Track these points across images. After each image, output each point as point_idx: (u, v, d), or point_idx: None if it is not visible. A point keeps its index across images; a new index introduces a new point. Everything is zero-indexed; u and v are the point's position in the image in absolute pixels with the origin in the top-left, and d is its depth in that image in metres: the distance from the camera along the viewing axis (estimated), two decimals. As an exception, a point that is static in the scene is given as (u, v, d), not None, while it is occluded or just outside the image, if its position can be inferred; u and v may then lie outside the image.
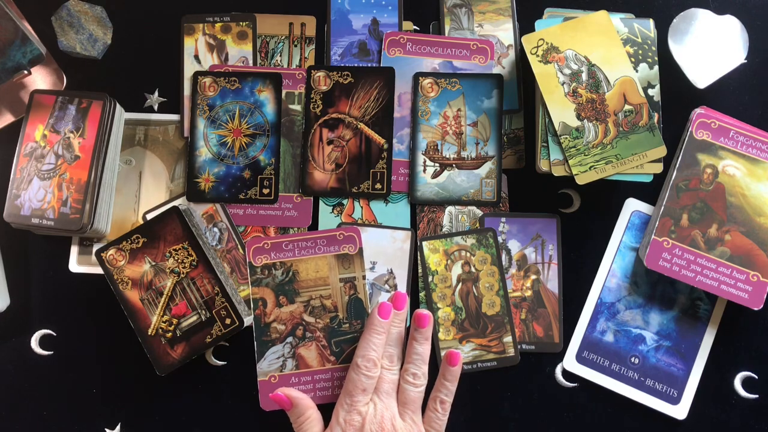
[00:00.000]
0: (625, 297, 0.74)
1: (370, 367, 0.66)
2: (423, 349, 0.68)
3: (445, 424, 0.68)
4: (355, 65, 0.77)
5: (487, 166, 0.75)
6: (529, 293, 0.74)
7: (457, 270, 0.74)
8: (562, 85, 0.72)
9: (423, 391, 0.68)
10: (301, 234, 0.74)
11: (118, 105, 0.74)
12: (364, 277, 0.73)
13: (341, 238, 0.73)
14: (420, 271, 0.74)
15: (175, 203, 0.75)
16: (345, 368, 0.71)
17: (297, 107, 0.77)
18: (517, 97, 0.77)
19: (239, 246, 0.74)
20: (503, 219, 0.75)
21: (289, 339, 0.72)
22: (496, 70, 0.77)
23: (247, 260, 0.73)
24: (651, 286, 0.74)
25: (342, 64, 0.77)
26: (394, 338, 0.69)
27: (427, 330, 0.69)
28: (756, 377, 0.73)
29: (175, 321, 0.71)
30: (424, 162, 0.75)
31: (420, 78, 0.76)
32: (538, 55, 0.72)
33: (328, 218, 0.76)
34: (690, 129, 0.72)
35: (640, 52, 0.73)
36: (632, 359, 0.73)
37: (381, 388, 0.66)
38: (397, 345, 0.69)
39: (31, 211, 0.71)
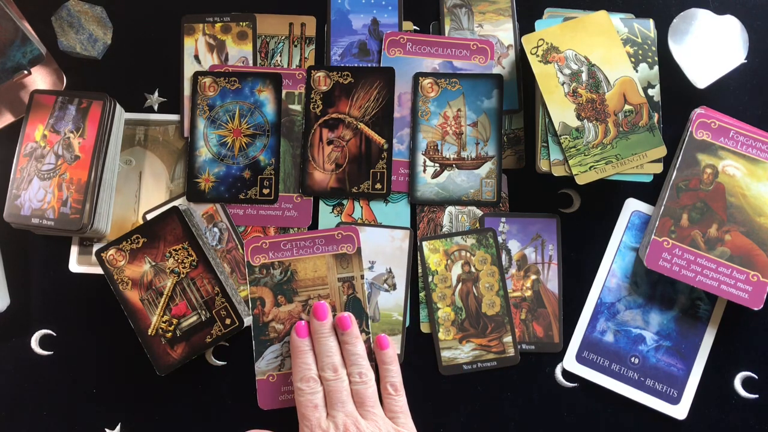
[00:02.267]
0: (625, 297, 0.74)
1: (312, 386, 0.66)
2: (357, 348, 0.68)
3: (406, 403, 0.68)
4: (355, 65, 0.77)
5: (487, 166, 0.75)
6: (529, 293, 0.74)
7: (457, 270, 0.74)
8: (562, 85, 0.72)
9: (374, 385, 0.68)
10: (300, 234, 0.74)
11: (118, 105, 0.74)
12: (362, 277, 0.73)
13: (339, 237, 0.73)
14: (420, 271, 0.74)
15: (175, 203, 0.75)
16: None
17: (297, 107, 0.77)
18: (517, 97, 0.77)
19: (239, 246, 0.74)
20: (503, 219, 0.75)
21: (288, 338, 0.72)
22: (496, 70, 0.77)
23: (246, 260, 0.73)
24: (651, 286, 0.74)
25: (342, 64, 0.77)
26: (335, 349, 0.68)
27: (351, 331, 0.69)
28: (756, 377, 0.73)
29: (175, 321, 0.71)
30: (424, 162, 0.75)
31: (420, 78, 0.76)
32: (538, 55, 0.72)
33: (328, 218, 0.76)
34: (690, 129, 0.72)
35: (640, 52, 0.73)
36: (632, 359, 0.73)
37: (336, 399, 0.65)
38: (338, 354, 0.68)
39: (31, 211, 0.71)
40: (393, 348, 0.70)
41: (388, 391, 0.68)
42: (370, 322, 0.72)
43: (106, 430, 0.73)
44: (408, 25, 0.79)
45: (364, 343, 0.69)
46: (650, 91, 0.72)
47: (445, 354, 0.73)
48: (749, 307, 0.69)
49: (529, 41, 0.72)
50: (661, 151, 0.71)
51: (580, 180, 0.70)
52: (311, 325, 0.69)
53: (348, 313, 0.70)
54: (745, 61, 0.75)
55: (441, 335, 0.73)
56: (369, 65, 0.78)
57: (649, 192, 0.75)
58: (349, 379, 0.67)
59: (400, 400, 0.68)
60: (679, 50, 0.75)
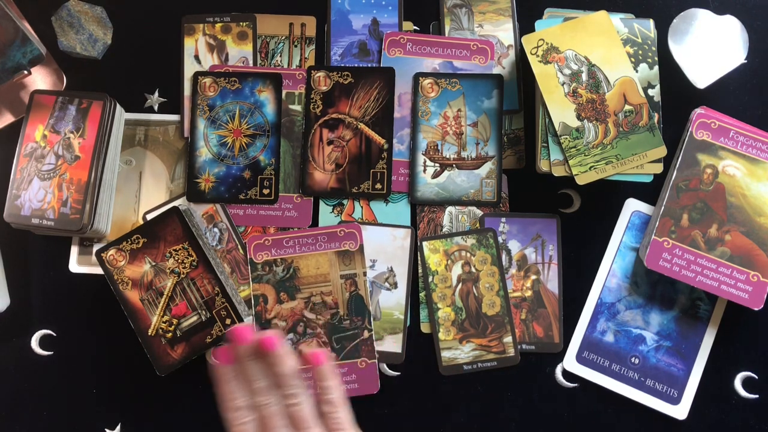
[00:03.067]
0: (625, 297, 0.74)
1: (243, 415, 0.61)
2: (285, 368, 0.62)
3: (349, 416, 0.62)
4: (355, 65, 0.77)
5: (487, 167, 0.75)
6: (529, 293, 0.74)
7: (457, 270, 0.74)
8: (562, 85, 0.72)
9: (309, 404, 0.62)
10: (302, 231, 0.74)
11: (118, 105, 0.74)
12: (365, 274, 0.73)
13: (342, 234, 0.73)
14: (420, 271, 0.74)
15: (175, 203, 0.75)
16: (345, 365, 0.72)
17: (297, 107, 0.77)
18: (517, 97, 0.77)
19: (239, 246, 0.74)
20: (503, 219, 0.75)
21: (290, 335, 0.72)
22: (496, 70, 0.77)
23: (248, 257, 0.73)
24: (651, 286, 0.74)
25: (342, 65, 0.78)
26: (262, 372, 0.62)
27: (276, 352, 0.61)
28: (756, 377, 0.73)
29: (175, 321, 0.71)
30: (425, 162, 0.75)
31: (420, 78, 0.76)
32: (538, 56, 0.72)
33: (328, 218, 0.76)
34: (690, 129, 0.72)
35: (640, 52, 0.73)
36: (632, 359, 0.73)
37: (271, 426, 0.60)
38: (266, 376, 0.62)
39: (31, 212, 0.71)
40: (329, 362, 0.64)
41: (328, 408, 0.62)
42: (372, 319, 0.72)
43: (106, 430, 0.73)
44: (408, 25, 0.79)
45: (293, 360, 0.63)
46: (650, 91, 0.72)
47: (446, 354, 0.73)
48: (749, 307, 0.69)
49: (529, 41, 0.72)
50: (661, 151, 0.71)
51: (580, 180, 0.70)
52: (234, 352, 0.62)
53: (271, 332, 0.63)
54: (745, 61, 0.76)
55: (441, 335, 0.73)
56: (369, 65, 0.78)
57: (649, 192, 0.75)
58: (282, 402, 0.62)
59: (341, 416, 0.62)
60: (679, 50, 0.75)
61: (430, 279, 0.74)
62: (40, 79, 0.78)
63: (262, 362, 0.62)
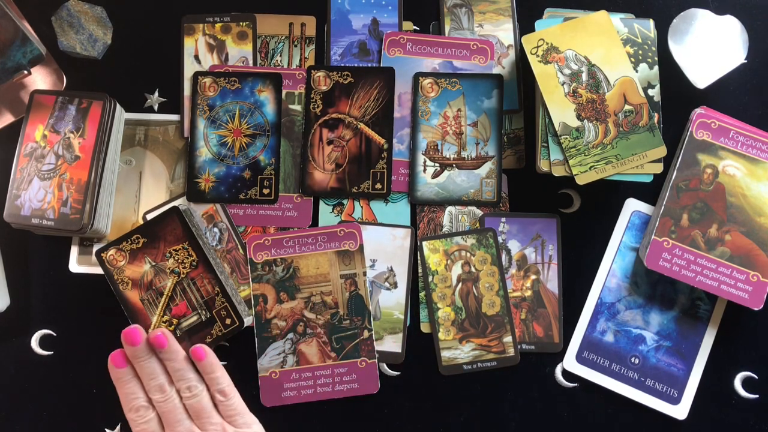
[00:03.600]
0: (625, 297, 0.74)
1: (143, 414, 0.65)
2: (179, 363, 0.67)
3: (241, 402, 0.68)
4: (355, 65, 0.77)
5: (487, 166, 0.75)
6: (529, 293, 0.74)
7: (457, 270, 0.74)
8: (562, 85, 0.72)
9: (206, 395, 0.67)
10: (302, 230, 0.74)
11: (118, 105, 0.74)
12: (364, 274, 0.73)
13: (342, 234, 0.73)
14: (420, 271, 0.74)
15: (175, 203, 0.75)
16: (346, 365, 0.72)
17: (297, 107, 0.77)
18: (517, 97, 0.77)
19: (239, 246, 0.74)
20: (503, 219, 0.75)
21: (290, 335, 0.72)
22: (496, 70, 0.77)
23: (248, 257, 0.73)
24: (651, 286, 0.74)
25: (342, 64, 0.78)
26: (158, 370, 0.67)
27: (169, 347, 0.67)
28: (756, 377, 0.73)
29: (175, 321, 0.71)
30: (424, 162, 0.75)
31: (420, 78, 0.76)
32: (538, 55, 0.72)
33: (328, 218, 0.76)
34: (690, 129, 0.72)
35: (640, 52, 0.73)
36: (632, 359, 0.73)
37: (171, 420, 0.65)
38: (162, 373, 0.67)
39: (31, 212, 0.71)
40: (211, 355, 0.68)
41: (219, 398, 0.67)
42: (372, 319, 0.73)
43: (106, 430, 0.73)
44: (408, 25, 0.79)
45: (185, 354, 0.68)
46: (650, 91, 0.72)
47: (445, 354, 0.73)
48: (749, 307, 0.69)
49: (529, 41, 0.72)
50: (661, 151, 0.71)
51: (580, 180, 0.70)
52: (128, 352, 0.67)
53: (160, 330, 0.68)
54: (745, 61, 0.76)
55: (441, 335, 0.73)
56: (369, 65, 0.78)
57: (649, 192, 0.75)
58: (179, 395, 0.66)
59: (233, 403, 0.67)
60: (679, 50, 0.75)
61: (430, 279, 0.74)
62: (40, 79, 0.78)
63: (157, 360, 0.67)
